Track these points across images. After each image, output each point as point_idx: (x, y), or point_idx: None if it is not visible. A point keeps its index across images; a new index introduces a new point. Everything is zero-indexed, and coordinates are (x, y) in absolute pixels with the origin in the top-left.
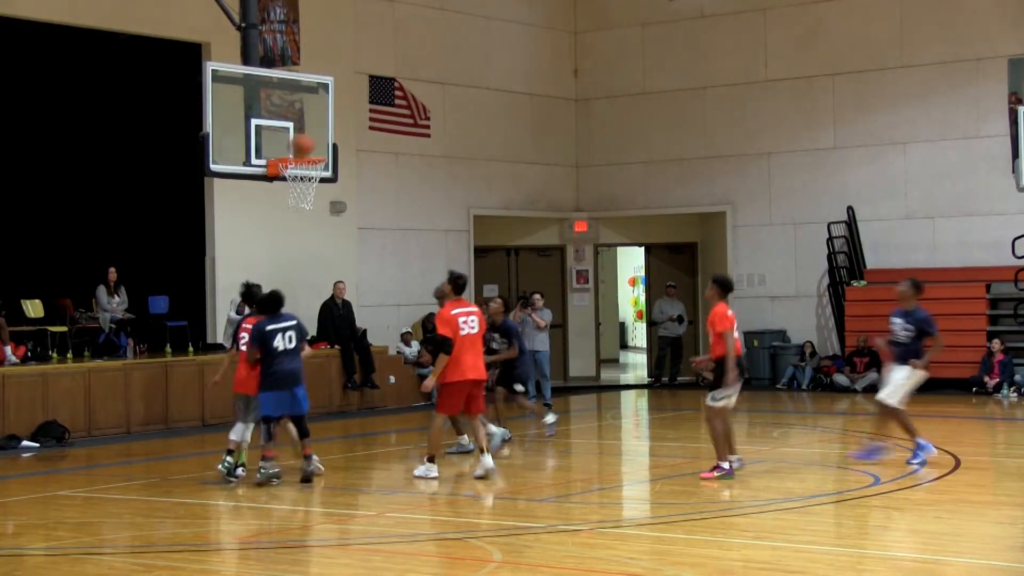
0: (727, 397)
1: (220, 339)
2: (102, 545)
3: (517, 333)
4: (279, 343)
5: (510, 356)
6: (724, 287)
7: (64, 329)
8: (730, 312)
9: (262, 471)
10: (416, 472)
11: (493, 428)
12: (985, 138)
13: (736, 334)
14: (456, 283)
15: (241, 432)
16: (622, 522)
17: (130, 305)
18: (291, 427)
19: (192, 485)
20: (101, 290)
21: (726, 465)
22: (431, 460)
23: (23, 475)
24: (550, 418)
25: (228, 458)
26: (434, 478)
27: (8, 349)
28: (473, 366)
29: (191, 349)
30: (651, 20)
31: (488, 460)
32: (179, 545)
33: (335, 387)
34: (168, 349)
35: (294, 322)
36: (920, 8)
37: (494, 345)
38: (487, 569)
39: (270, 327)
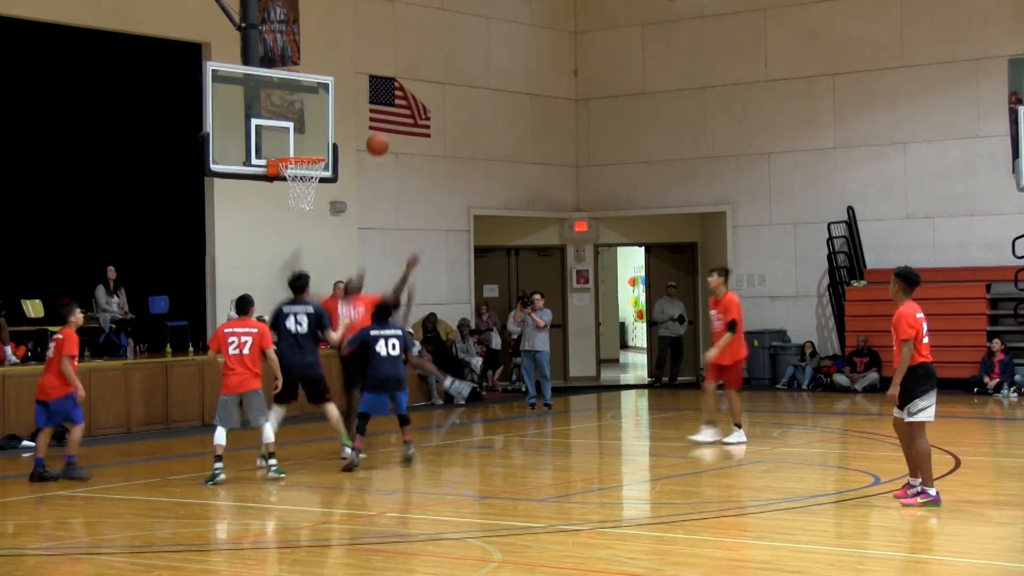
0: (926, 408)
1: None
2: (102, 545)
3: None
4: (382, 348)
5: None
6: (910, 282)
7: None
8: (919, 314)
9: (349, 458)
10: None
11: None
12: (985, 138)
13: (927, 337)
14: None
15: (271, 431)
16: (622, 522)
17: (130, 305)
18: (332, 413)
19: (192, 485)
20: (100, 290)
21: (933, 491)
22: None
23: (23, 475)
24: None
25: (270, 460)
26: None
27: (8, 349)
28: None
29: (191, 349)
30: (651, 20)
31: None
32: (179, 545)
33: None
34: (168, 349)
35: (399, 331)
36: (920, 8)
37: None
38: (487, 569)
39: (374, 332)
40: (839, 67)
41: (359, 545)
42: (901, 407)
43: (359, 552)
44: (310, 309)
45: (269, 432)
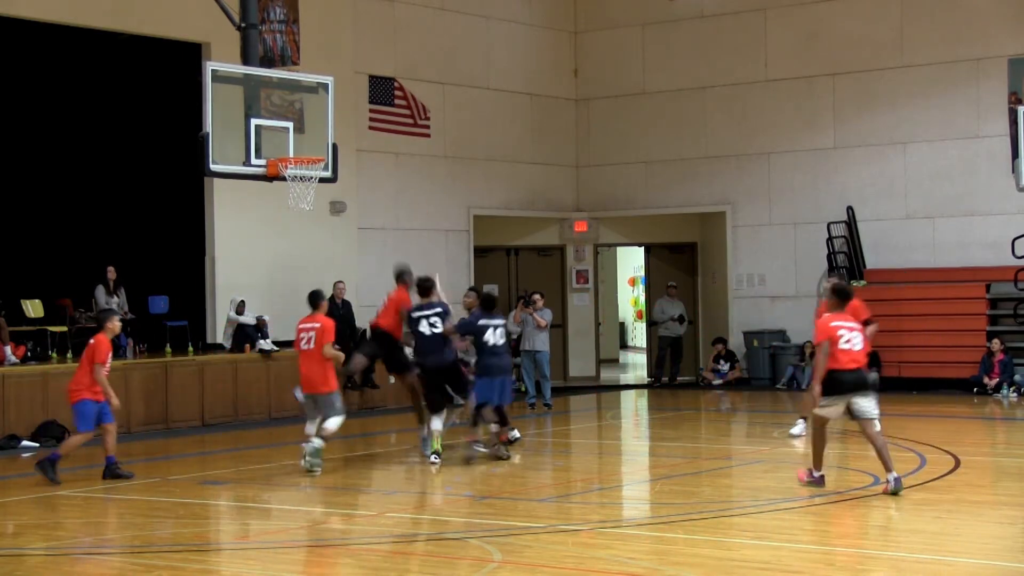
0: (828, 407)
1: (220, 339)
2: (102, 545)
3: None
4: (490, 337)
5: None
6: (843, 296)
7: (64, 329)
8: (833, 323)
9: (474, 448)
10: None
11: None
12: (985, 138)
13: (853, 343)
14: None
15: (312, 428)
16: (622, 522)
17: (130, 305)
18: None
19: (192, 485)
20: (100, 290)
21: (818, 473)
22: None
23: (23, 475)
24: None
25: (308, 457)
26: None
27: (8, 349)
28: None
29: (191, 349)
30: (651, 20)
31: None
32: (179, 545)
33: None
34: (168, 349)
35: (503, 321)
36: (920, 8)
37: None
38: (487, 569)
39: (482, 322)
40: (839, 67)
41: (359, 545)
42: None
43: (359, 552)
44: (439, 309)
45: (332, 425)
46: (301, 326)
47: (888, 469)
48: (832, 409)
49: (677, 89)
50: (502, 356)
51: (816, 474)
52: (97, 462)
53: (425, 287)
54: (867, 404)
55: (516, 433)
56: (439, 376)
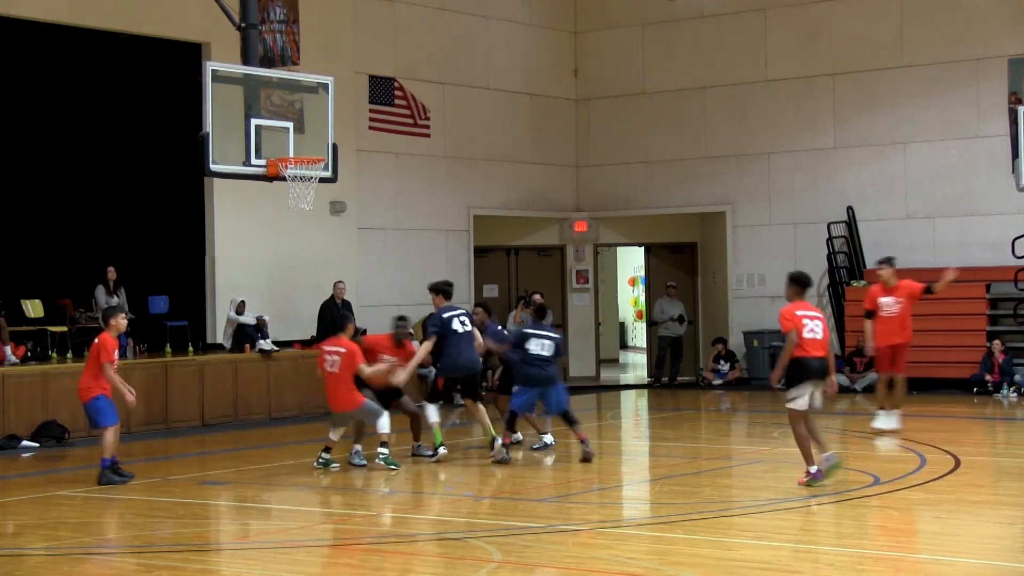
0: (797, 397)
1: (220, 339)
2: (102, 545)
3: (502, 335)
4: (534, 347)
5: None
6: (795, 282)
7: (64, 329)
8: (798, 312)
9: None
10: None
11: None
12: (985, 138)
13: (816, 332)
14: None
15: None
16: (622, 522)
17: (130, 305)
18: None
19: (192, 485)
20: (100, 290)
21: (813, 469)
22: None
23: (23, 475)
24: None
25: (386, 463)
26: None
27: (8, 349)
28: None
29: (191, 349)
30: (651, 20)
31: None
32: (179, 545)
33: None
34: (168, 349)
35: (555, 335)
36: (920, 8)
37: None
38: (487, 569)
39: (528, 331)
40: (839, 67)
41: (359, 545)
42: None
43: (359, 552)
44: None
45: (384, 427)
46: (327, 348)
47: (824, 449)
48: (802, 400)
49: (677, 89)
50: (544, 367)
51: (812, 470)
52: (97, 462)
53: (449, 292)
54: (821, 397)
55: (550, 438)
56: (465, 379)
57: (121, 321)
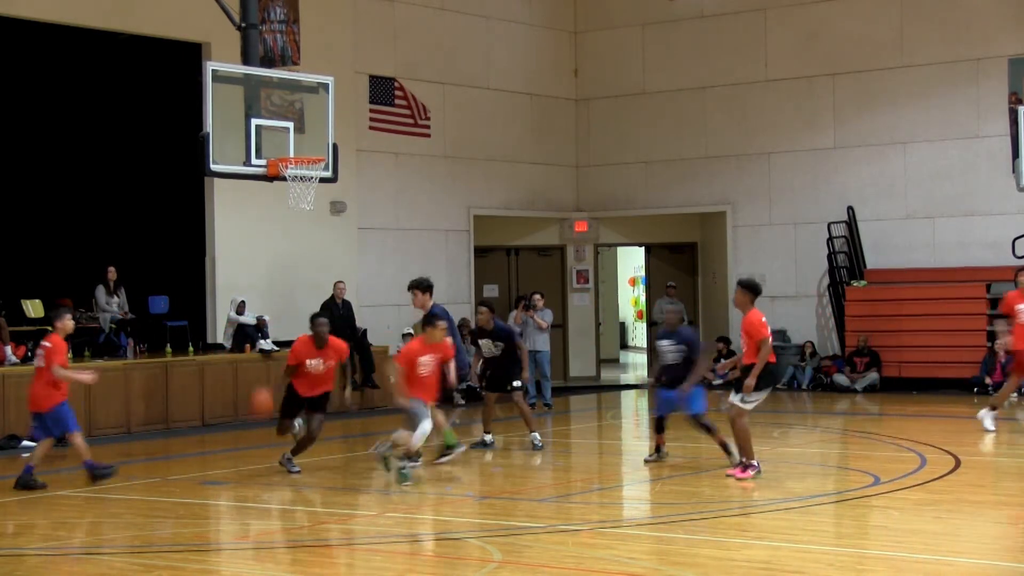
0: (756, 401)
1: (220, 339)
2: (102, 545)
3: (514, 332)
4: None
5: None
6: (752, 290)
7: None
8: (763, 319)
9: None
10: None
11: (488, 438)
12: (985, 138)
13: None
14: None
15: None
16: (622, 522)
17: (130, 305)
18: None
19: (192, 485)
20: (100, 290)
21: (756, 462)
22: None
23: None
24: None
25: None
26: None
27: (8, 349)
28: None
29: (191, 349)
30: (651, 20)
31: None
32: (179, 545)
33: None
34: (168, 349)
35: (684, 340)
36: (920, 8)
37: (486, 353)
38: (487, 569)
39: (661, 338)
40: (839, 67)
41: (359, 545)
42: (737, 392)
43: (359, 552)
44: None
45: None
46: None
47: (750, 456)
48: (758, 403)
49: (677, 89)
50: (674, 371)
51: (756, 463)
52: (97, 462)
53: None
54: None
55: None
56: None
57: (68, 323)
